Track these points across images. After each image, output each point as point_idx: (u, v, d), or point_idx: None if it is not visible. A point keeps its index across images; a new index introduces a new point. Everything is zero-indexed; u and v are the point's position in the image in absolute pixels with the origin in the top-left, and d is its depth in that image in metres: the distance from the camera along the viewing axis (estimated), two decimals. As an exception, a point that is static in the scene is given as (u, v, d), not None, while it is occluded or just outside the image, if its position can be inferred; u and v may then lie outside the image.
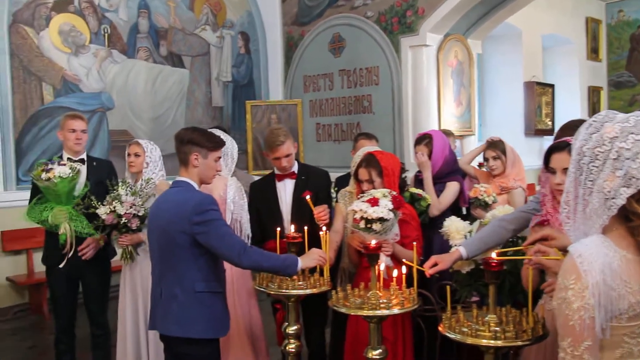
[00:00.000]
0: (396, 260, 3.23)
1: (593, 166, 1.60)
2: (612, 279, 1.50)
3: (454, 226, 3.35)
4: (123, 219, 3.97)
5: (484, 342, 2.15)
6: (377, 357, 2.63)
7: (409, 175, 4.30)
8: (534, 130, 10.77)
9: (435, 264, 2.78)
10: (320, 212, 3.55)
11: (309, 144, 8.67)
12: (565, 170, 2.47)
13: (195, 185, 2.98)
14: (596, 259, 1.51)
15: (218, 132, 3.64)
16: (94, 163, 4.40)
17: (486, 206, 4.13)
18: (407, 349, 3.31)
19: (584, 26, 12.37)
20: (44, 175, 3.97)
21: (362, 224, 3.00)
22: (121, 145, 7.14)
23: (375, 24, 7.95)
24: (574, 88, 12.15)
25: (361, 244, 3.16)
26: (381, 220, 2.98)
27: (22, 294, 6.69)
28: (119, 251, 4.33)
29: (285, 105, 8.35)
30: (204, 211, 2.81)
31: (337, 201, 3.95)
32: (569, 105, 11.75)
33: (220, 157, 3.10)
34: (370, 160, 3.52)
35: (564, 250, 2.30)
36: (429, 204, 4.05)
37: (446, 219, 3.53)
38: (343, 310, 2.61)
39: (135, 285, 4.17)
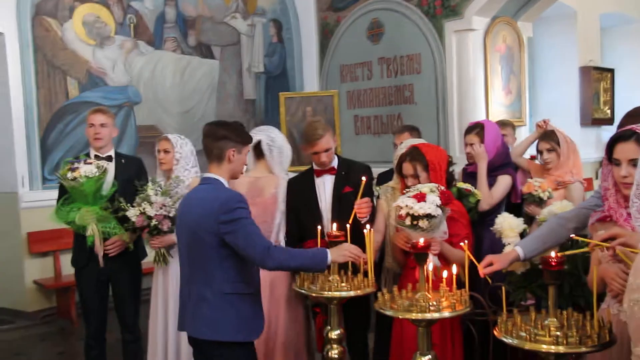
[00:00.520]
0: (444, 260, 3.21)
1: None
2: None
3: (506, 223, 3.31)
4: (153, 220, 4.03)
5: (544, 347, 2.12)
6: (427, 363, 2.63)
7: (457, 169, 4.27)
8: (591, 119, 10.56)
9: (490, 264, 2.76)
10: (361, 204, 3.55)
11: (347, 137, 8.66)
12: (631, 161, 2.43)
13: (225, 182, 3.04)
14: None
15: (268, 130, 3.83)
16: (123, 160, 4.45)
17: (541, 202, 4.08)
18: (457, 355, 3.30)
19: (649, 3, 12.07)
20: (69, 175, 4.04)
21: (407, 221, 2.99)
22: (149, 141, 7.26)
23: (417, 7, 7.90)
24: (636, 72, 11.83)
25: (408, 242, 3.16)
26: (428, 216, 2.96)
27: (49, 298, 6.83)
28: (150, 253, 4.39)
29: (321, 97, 8.35)
30: (232, 210, 2.88)
31: (378, 198, 3.95)
32: (631, 92, 11.44)
33: (248, 151, 3.18)
34: (414, 154, 3.51)
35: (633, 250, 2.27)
36: (478, 200, 4.02)
37: (498, 215, 3.51)
38: (390, 313, 2.61)
39: (166, 288, 4.22)
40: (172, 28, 7.97)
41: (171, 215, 4.06)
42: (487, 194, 4.10)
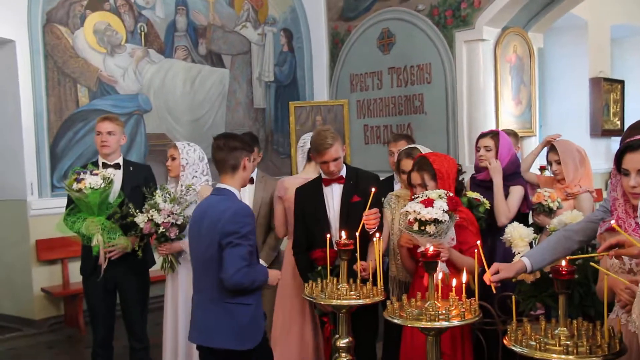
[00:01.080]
0: (453, 268, 3.21)
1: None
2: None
3: (517, 232, 3.31)
4: (161, 227, 4.04)
5: (554, 357, 2.11)
6: (436, 372, 2.62)
7: (466, 178, 4.27)
8: (601, 130, 10.55)
9: (497, 272, 2.77)
10: (369, 215, 3.55)
11: (357, 146, 8.67)
12: (640, 171, 2.43)
13: (237, 194, 3.27)
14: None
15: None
16: (131, 168, 4.47)
17: (550, 212, 4.08)
18: (467, 365, 3.29)
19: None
20: (75, 186, 4.06)
21: (415, 226, 3.01)
22: (159, 150, 7.30)
23: (427, 17, 7.92)
24: (646, 83, 11.85)
25: (417, 250, 3.19)
26: (435, 222, 2.98)
27: (57, 306, 6.85)
28: (159, 261, 4.41)
29: (331, 106, 8.38)
30: (240, 222, 3.11)
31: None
32: (641, 103, 11.46)
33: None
34: (422, 163, 3.52)
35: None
36: (487, 209, 4.01)
37: (508, 224, 3.50)
38: (399, 321, 2.60)
39: (176, 296, 4.24)
40: (182, 37, 8.02)
41: (179, 223, 4.08)
42: (506, 209, 4.10)
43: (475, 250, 2.78)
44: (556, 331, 2.20)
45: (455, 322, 2.55)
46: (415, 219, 3.02)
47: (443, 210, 3.01)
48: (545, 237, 3.46)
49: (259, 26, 8.79)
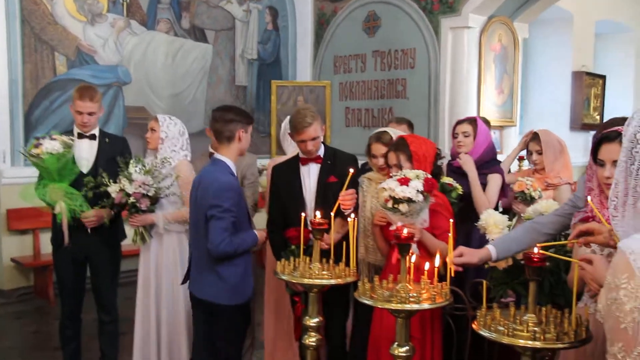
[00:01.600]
0: (425, 250, 3.21)
1: (647, 155, 1.57)
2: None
3: (492, 219, 3.32)
4: (131, 198, 4.01)
5: (521, 342, 2.12)
6: (404, 354, 2.61)
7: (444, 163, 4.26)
8: (581, 124, 10.62)
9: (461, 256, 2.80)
10: (345, 195, 3.54)
11: (337, 129, 8.65)
12: (615, 162, 2.43)
13: (231, 164, 3.51)
14: (651, 255, 1.48)
15: None
16: (107, 139, 4.40)
17: (531, 201, 4.09)
18: (435, 349, 3.30)
19: (644, 12, 12.13)
20: (33, 151, 4.02)
21: (389, 204, 3.01)
22: (137, 123, 7.23)
23: (414, 2, 7.90)
24: (627, 80, 11.94)
25: (383, 219, 3.29)
26: (409, 201, 2.99)
27: (27, 277, 6.79)
28: (130, 234, 4.37)
29: (314, 87, 8.33)
30: (221, 197, 3.34)
31: None
32: (621, 99, 11.55)
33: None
34: (399, 144, 3.52)
35: (610, 247, 2.28)
36: (460, 194, 4.00)
37: (484, 211, 3.51)
38: (369, 302, 2.59)
39: (148, 270, 4.21)
40: (166, 9, 7.92)
41: (150, 194, 4.03)
42: (485, 201, 4.06)
43: (449, 234, 2.78)
44: (525, 317, 2.21)
45: (426, 305, 2.55)
46: (390, 196, 3.02)
47: (418, 190, 3.01)
48: (519, 224, 3.47)
49: (244, 2, 8.71)
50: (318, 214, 3.14)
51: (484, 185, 4.20)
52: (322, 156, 3.90)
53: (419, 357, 3.12)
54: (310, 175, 3.89)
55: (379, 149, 3.80)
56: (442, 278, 2.71)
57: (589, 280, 2.24)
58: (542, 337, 2.11)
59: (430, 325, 3.25)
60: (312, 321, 3.09)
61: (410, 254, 2.59)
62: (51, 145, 3.99)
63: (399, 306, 2.51)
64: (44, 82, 6.85)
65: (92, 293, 4.46)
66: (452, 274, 2.66)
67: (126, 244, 4.56)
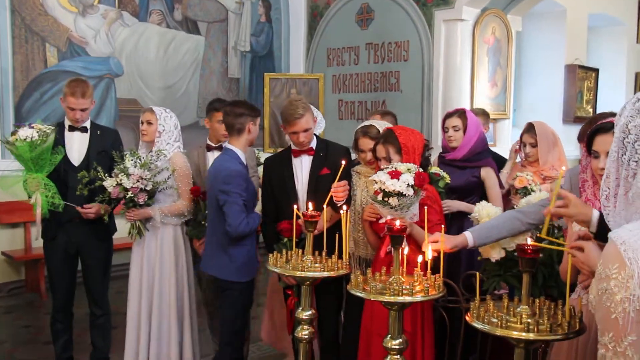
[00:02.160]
0: (414, 244, 3.20)
1: (639, 145, 1.55)
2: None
3: (485, 211, 3.30)
4: (129, 193, 3.97)
5: (515, 334, 2.11)
6: (397, 347, 2.60)
7: (434, 155, 4.24)
8: (573, 117, 10.61)
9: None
10: (337, 187, 3.53)
11: (330, 121, 8.58)
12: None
13: (240, 153, 3.76)
14: (642, 246, 1.47)
15: None
16: (98, 132, 4.36)
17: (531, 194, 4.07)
18: (427, 343, 3.29)
19: (637, 6, 12.13)
20: (10, 138, 3.98)
21: (379, 197, 3.00)
22: (128, 115, 7.19)
23: (408, -6, 7.86)
24: (620, 74, 11.93)
25: (373, 214, 3.30)
26: (399, 195, 2.97)
27: (18, 270, 6.76)
28: (121, 227, 4.34)
29: (307, 80, 8.27)
30: (229, 183, 3.62)
31: None
32: (613, 93, 11.55)
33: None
34: (388, 136, 3.50)
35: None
36: (447, 184, 3.98)
37: (477, 203, 3.49)
38: (362, 294, 2.58)
39: (141, 264, 4.18)
40: (158, 1, 7.86)
41: (148, 188, 4.01)
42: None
43: (442, 226, 2.77)
44: (518, 309, 2.20)
45: (419, 298, 2.54)
46: (380, 189, 3.00)
47: (408, 184, 2.99)
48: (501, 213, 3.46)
49: (236, -6, 8.66)
50: (310, 206, 3.12)
51: (476, 178, 4.19)
52: (314, 148, 3.88)
53: (410, 350, 3.11)
54: (302, 167, 3.88)
55: (367, 143, 3.79)
56: (435, 270, 2.69)
57: (581, 265, 2.23)
58: (535, 329, 2.10)
59: (421, 319, 3.25)
60: (305, 314, 3.08)
61: (403, 247, 2.58)
62: (25, 133, 3.93)
63: (392, 298, 2.50)
64: (34, 73, 6.80)
65: (84, 287, 4.43)
66: (425, 258, 2.64)
67: (117, 237, 4.53)
